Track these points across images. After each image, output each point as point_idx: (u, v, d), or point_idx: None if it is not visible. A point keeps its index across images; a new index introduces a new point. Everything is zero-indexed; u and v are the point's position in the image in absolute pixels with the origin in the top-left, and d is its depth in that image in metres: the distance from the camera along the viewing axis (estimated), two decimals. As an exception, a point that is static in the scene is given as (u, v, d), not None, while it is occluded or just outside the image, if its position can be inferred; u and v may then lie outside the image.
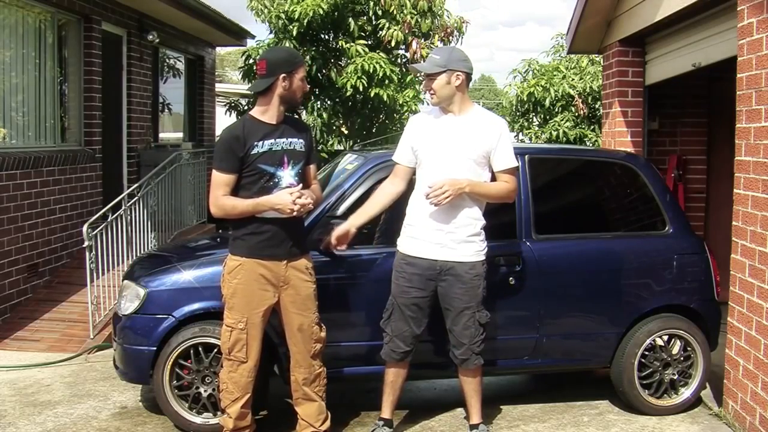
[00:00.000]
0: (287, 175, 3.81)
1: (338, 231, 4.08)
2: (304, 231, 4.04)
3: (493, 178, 4.03)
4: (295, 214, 3.71)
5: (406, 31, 9.49)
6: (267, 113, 3.82)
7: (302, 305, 3.89)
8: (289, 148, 3.83)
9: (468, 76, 4.00)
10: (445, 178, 3.84)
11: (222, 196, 3.73)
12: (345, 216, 4.31)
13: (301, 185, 3.84)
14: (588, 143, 10.28)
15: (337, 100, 9.92)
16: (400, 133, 4.25)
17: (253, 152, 3.74)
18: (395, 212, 4.18)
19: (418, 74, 4.22)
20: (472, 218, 3.97)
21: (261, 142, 3.75)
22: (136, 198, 7.31)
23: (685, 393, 4.67)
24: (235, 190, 3.76)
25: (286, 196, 3.71)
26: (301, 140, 3.89)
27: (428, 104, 4.19)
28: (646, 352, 4.59)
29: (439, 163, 3.95)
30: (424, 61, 4.27)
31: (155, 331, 4.22)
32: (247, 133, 3.76)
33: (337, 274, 4.29)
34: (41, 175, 6.94)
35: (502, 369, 4.72)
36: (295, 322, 3.89)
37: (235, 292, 3.80)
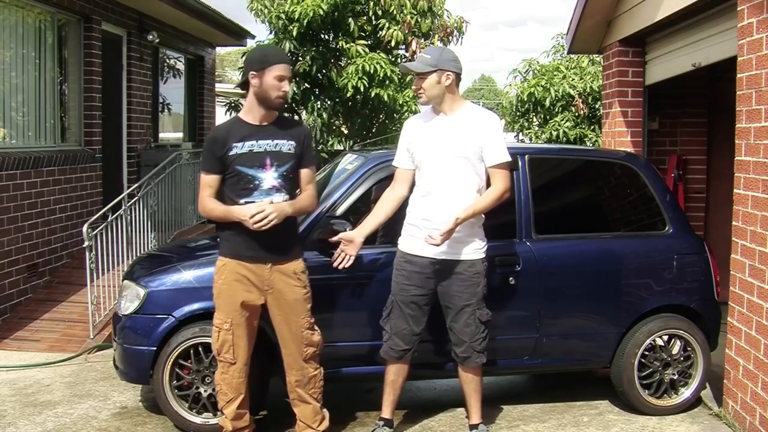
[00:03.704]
0: (269, 177, 3.73)
1: (345, 235, 4.07)
2: (295, 235, 3.97)
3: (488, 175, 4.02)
4: (256, 227, 3.63)
5: (406, 31, 9.48)
6: (250, 113, 3.81)
7: (288, 309, 3.85)
8: (274, 150, 3.75)
9: (458, 77, 3.99)
10: (440, 231, 3.79)
11: (206, 197, 3.77)
12: (345, 216, 4.31)
13: (290, 194, 3.79)
14: (588, 143, 10.28)
15: (337, 100, 9.92)
16: (399, 133, 4.26)
17: (231, 153, 3.72)
18: (395, 213, 4.17)
19: (412, 74, 4.21)
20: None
21: (241, 144, 3.72)
22: (136, 198, 7.31)
23: (685, 393, 4.67)
24: (221, 191, 3.78)
25: (249, 210, 3.64)
26: (291, 142, 3.80)
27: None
28: (646, 352, 4.59)
29: (433, 163, 3.96)
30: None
31: (155, 331, 4.22)
32: (228, 134, 3.76)
33: (338, 274, 4.28)
34: (41, 175, 6.94)
35: (502, 369, 4.72)
36: (282, 326, 3.89)
37: (220, 292, 3.83)
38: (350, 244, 4.07)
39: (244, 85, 3.82)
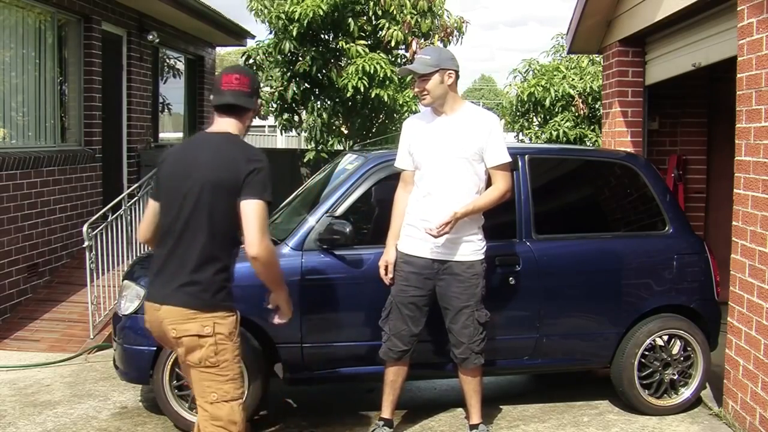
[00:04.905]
0: None
1: (382, 265, 4.08)
2: None
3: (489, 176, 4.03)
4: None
5: (406, 31, 9.48)
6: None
7: None
8: None
9: (457, 75, 4.00)
10: (436, 223, 3.81)
11: None
12: (345, 216, 4.30)
13: None
14: (588, 143, 10.27)
15: (337, 100, 9.92)
16: (399, 133, 4.26)
17: None
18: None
19: (413, 76, 4.19)
20: (471, 217, 3.97)
21: None
22: (136, 198, 7.31)
23: (685, 393, 4.67)
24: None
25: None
26: None
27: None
28: (646, 352, 4.59)
29: (434, 164, 3.96)
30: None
31: (155, 331, 4.21)
32: None
33: (338, 275, 4.29)
34: (41, 175, 6.94)
35: (502, 369, 4.72)
36: None
37: (236, 356, 3.04)
38: (389, 264, 4.08)
39: (256, 99, 3.28)
